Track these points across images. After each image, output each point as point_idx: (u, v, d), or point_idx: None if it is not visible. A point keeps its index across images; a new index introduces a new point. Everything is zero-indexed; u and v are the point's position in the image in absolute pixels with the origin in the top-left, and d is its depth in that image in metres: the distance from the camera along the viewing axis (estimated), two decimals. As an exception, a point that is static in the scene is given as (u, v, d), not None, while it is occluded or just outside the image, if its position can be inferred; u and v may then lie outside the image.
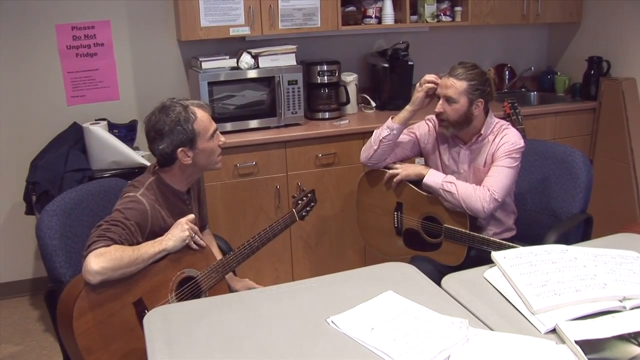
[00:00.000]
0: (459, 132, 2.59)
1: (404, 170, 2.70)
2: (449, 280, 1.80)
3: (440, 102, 2.54)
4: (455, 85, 2.49)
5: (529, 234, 2.67)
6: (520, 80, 4.59)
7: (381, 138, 2.67)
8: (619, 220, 3.73)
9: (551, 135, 4.02)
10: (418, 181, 2.65)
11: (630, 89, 3.92)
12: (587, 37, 4.35)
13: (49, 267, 2.10)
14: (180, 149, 2.13)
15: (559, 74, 4.51)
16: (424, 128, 2.77)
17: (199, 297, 2.11)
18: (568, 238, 2.43)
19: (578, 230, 2.61)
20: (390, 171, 2.73)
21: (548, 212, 2.77)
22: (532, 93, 4.56)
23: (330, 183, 3.62)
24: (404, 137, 2.76)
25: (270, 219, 3.46)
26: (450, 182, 2.52)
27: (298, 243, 3.65)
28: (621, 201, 3.92)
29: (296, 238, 3.63)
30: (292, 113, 3.62)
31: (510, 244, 2.40)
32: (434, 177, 2.57)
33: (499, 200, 2.47)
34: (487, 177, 2.52)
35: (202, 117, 2.16)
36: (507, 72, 4.55)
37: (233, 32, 3.55)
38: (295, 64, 3.62)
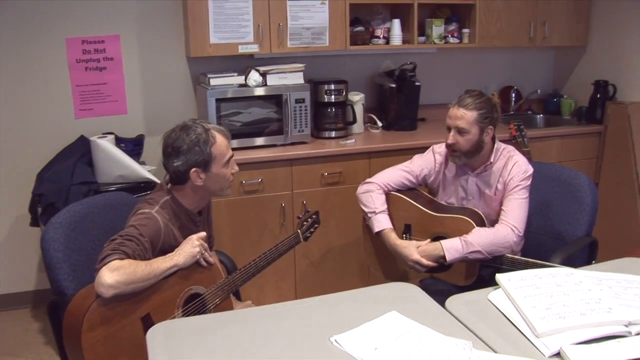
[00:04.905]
0: (469, 160, 2.62)
1: (423, 256, 2.53)
2: (452, 301, 1.80)
3: (452, 133, 2.56)
4: (466, 117, 2.52)
5: (533, 256, 2.65)
6: (526, 102, 4.61)
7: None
8: (624, 244, 3.72)
9: (557, 158, 4.02)
10: (427, 202, 2.66)
11: (636, 113, 3.92)
12: (593, 61, 4.37)
13: (52, 279, 2.10)
14: (193, 169, 2.13)
15: (565, 97, 4.53)
16: (430, 162, 2.77)
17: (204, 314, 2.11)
18: (573, 261, 2.42)
19: (583, 253, 2.61)
20: (417, 267, 2.56)
21: (553, 235, 2.76)
22: (538, 116, 4.58)
23: (335, 202, 3.62)
24: (400, 181, 2.76)
25: (275, 236, 3.45)
26: (471, 251, 2.44)
27: (302, 261, 3.64)
28: (626, 225, 3.91)
29: (300, 256, 3.62)
30: (299, 131, 3.63)
31: (525, 258, 2.44)
32: (453, 253, 2.46)
33: (522, 233, 2.53)
34: (506, 211, 2.54)
35: (221, 142, 2.18)
36: (513, 95, 4.56)
37: (242, 50, 3.58)
38: (302, 82, 3.64)
